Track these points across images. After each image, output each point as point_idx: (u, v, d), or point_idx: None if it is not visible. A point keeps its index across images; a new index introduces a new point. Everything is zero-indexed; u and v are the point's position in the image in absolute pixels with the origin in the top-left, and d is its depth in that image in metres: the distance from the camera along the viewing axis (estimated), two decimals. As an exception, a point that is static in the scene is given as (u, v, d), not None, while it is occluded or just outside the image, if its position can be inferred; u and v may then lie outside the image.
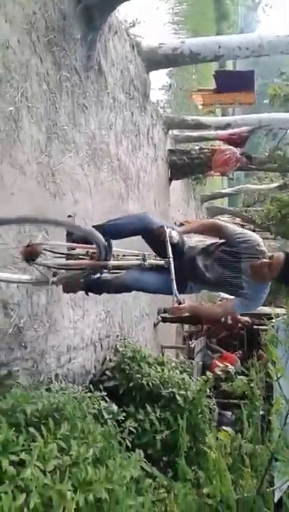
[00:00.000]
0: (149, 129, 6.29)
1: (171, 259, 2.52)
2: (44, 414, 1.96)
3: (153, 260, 2.72)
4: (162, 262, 2.64)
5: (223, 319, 6.92)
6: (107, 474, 1.74)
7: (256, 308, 2.91)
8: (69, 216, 2.98)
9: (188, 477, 2.54)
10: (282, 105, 10.16)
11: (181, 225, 8.60)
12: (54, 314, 3.17)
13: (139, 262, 2.65)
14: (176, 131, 8.70)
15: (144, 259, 2.65)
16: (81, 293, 3.66)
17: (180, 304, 2.53)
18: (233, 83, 7.10)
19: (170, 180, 8.51)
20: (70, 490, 1.47)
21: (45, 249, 2.22)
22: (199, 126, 8.44)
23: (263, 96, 11.73)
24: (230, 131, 8.73)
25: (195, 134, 9.05)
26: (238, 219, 8.01)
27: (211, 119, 9.20)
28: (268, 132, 10.23)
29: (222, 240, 2.88)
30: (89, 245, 2.39)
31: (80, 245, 2.47)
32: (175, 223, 8.57)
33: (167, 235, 2.57)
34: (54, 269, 2.36)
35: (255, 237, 2.80)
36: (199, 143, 9.06)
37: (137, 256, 2.68)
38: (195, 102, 8.13)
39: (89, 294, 3.12)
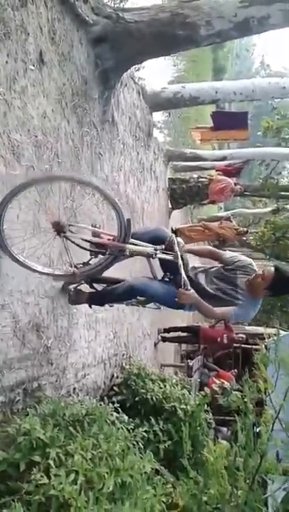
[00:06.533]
0: (152, 164, 6.87)
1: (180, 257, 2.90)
2: (77, 417, 2.44)
3: (163, 255, 2.96)
4: (171, 257, 2.95)
5: (219, 339, 7.38)
6: (130, 465, 2.22)
7: (247, 319, 3.27)
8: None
9: (191, 475, 2.97)
10: (274, 136, 10.91)
11: (174, 231, 9.09)
12: (73, 335, 3.66)
13: (151, 251, 2.91)
14: (175, 162, 9.33)
15: (155, 250, 2.93)
16: (95, 316, 4.20)
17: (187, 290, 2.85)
18: (229, 122, 7.71)
19: (171, 210, 9.05)
20: (106, 472, 1.95)
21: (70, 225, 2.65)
22: (197, 158, 9.08)
23: (257, 118, 12.41)
24: (226, 162, 9.38)
25: (193, 163, 9.69)
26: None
27: (208, 152, 9.85)
28: (262, 162, 10.96)
29: (220, 264, 3.41)
30: (110, 233, 2.78)
31: (102, 231, 2.80)
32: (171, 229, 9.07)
33: (175, 241, 2.97)
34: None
35: (246, 258, 3.39)
36: (197, 172, 9.70)
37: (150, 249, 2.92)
38: (193, 137, 8.77)
39: (92, 306, 3.52)
